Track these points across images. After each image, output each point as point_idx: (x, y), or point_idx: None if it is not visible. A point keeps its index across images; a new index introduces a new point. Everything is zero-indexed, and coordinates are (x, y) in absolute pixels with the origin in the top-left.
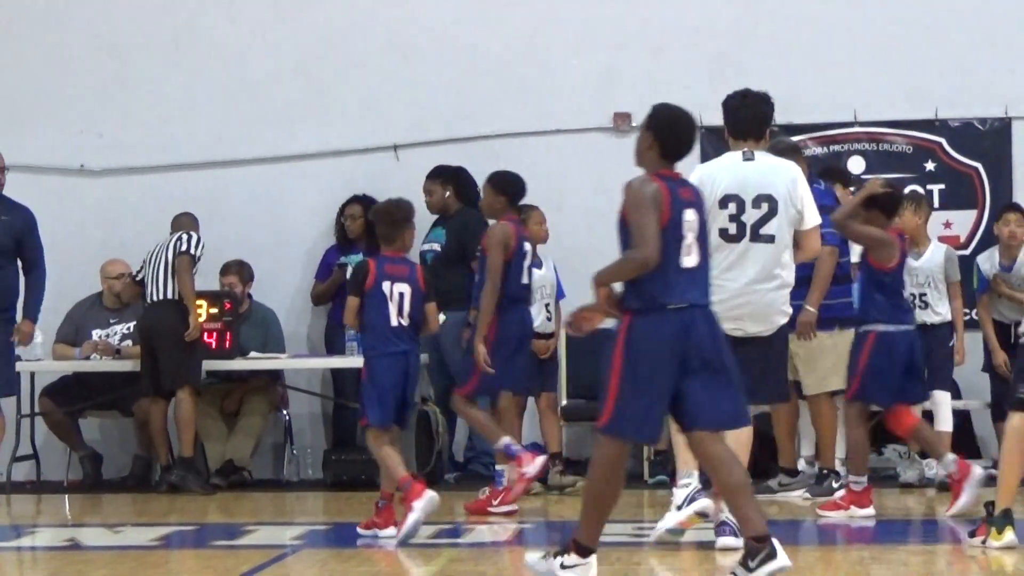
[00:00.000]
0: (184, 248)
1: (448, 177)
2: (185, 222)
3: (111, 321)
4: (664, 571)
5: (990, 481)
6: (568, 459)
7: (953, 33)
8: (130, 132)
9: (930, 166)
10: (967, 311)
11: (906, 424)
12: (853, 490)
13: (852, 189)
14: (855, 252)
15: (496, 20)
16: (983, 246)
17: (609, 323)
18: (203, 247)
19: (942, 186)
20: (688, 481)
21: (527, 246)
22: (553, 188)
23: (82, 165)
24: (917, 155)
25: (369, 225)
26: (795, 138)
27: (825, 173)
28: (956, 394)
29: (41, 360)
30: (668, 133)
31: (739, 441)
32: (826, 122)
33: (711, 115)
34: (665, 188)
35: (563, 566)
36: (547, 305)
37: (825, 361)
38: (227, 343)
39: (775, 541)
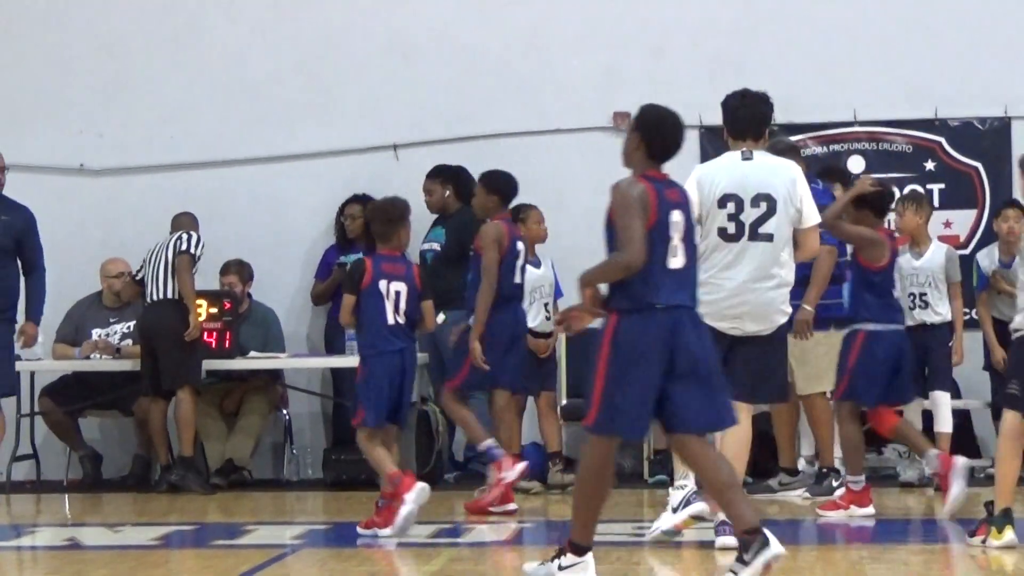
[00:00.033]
0: (184, 248)
1: (448, 177)
2: (185, 222)
3: (111, 320)
4: (664, 571)
5: (985, 480)
6: (568, 458)
7: (953, 33)
8: (130, 132)
9: (930, 166)
10: (967, 311)
11: (888, 424)
12: (852, 489)
13: None
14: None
15: (496, 20)
16: (983, 246)
17: (600, 322)
18: (203, 247)
19: (942, 185)
20: (684, 483)
21: (520, 245)
22: (553, 188)
23: (82, 165)
24: (917, 155)
25: (369, 225)
26: (795, 138)
27: (824, 173)
28: (956, 394)
29: (41, 360)
30: (655, 134)
31: (738, 441)
32: (826, 121)
33: (711, 115)
34: (652, 189)
35: (561, 567)
36: (546, 304)
37: (819, 361)
38: (227, 343)
39: (767, 531)
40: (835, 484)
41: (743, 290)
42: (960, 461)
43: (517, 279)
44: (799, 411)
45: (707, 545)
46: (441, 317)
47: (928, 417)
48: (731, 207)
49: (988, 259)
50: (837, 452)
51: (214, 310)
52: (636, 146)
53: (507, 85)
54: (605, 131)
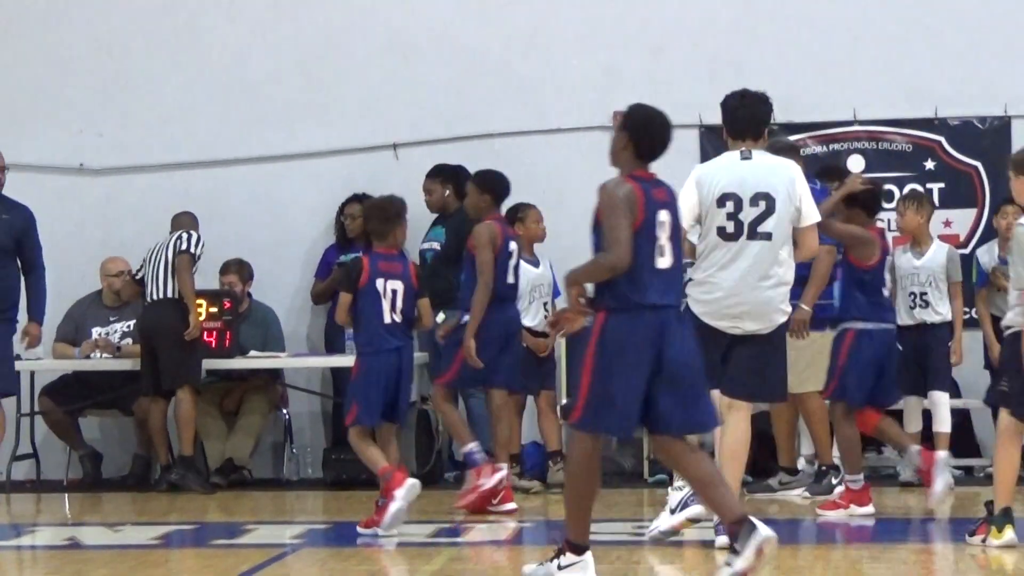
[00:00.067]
0: (184, 247)
1: (448, 176)
2: (185, 221)
3: (111, 319)
4: (664, 570)
5: (985, 479)
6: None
7: (953, 32)
8: (130, 131)
9: (930, 165)
10: (967, 310)
11: (871, 423)
12: (851, 489)
13: None
14: None
15: (496, 19)
16: (982, 245)
17: (589, 320)
18: (203, 246)
19: (942, 185)
20: (682, 484)
21: (512, 245)
22: (552, 187)
23: (82, 164)
24: (917, 154)
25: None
26: (795, 137)
27: (823, 173)
28: (956, 393)
29: (41, 359)
30: (643, 134)
31: (737, 440)
32: (826, 121)
33: (711, 115)
34: (639, 189)
35: (560, 567)
36: (545, 304)
37: (812, 359)
38: (227, 342)
39: (752, 518)
40: (835, 482)
41: (741, 289)
42: (941, 455)
43: (510, 279)
44: (798, 410)
45: (707, 544)
46: (440, 316)
47: (928, 417)
48: (730, 206)
49: (988, 255)
50: (836, 450)
51: (214, 309)
52: (624, 146)
53: (507, 85)
54: (605, 131)
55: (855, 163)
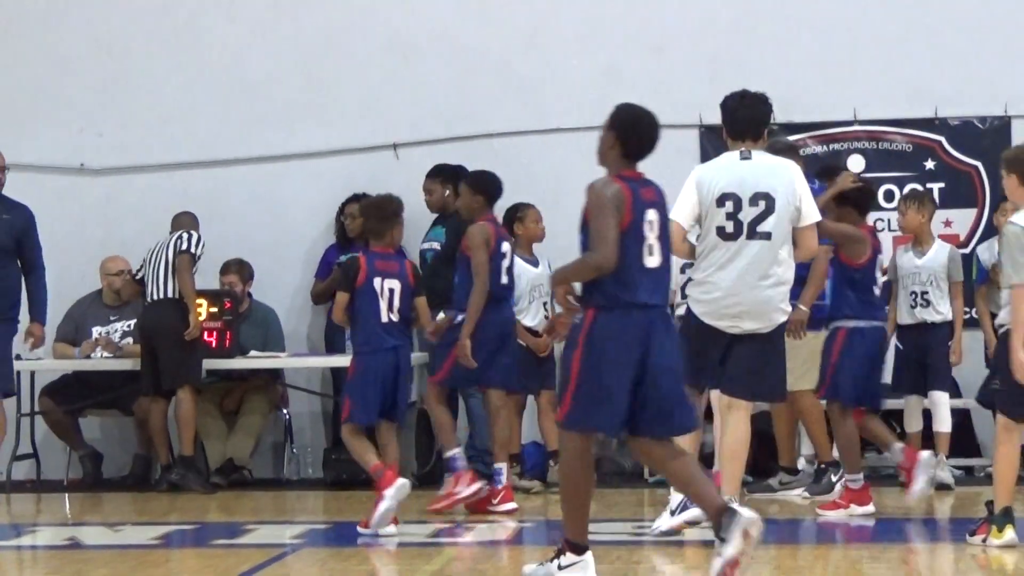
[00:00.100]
0: (184, 247)
1: (448, 176)
2: (185, 221)
3: (111, 318)
4: (664, 569)
5: (986, 479)
6: None
7: (953, 32)
8: (130, 131)
9: (930, 165)
10: (967, 310)
11: (855, 419)
12: (851, 488)
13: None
14: None
15: (496, 19)
16: (983, 243)
17: (577, 318)
18: (203, 246)
19: (942, 185)
20: None
21: (505, 246)
22: (552, 187)
23: (82, 164)
24: (917, 154)
25: None
26: (795, 137)
27: (822, 173)
28: (956, 393)
29: (41, 359)
30: (630, 133)
31: (737, 440)
32: (826, 121)
33: (711, 114)
34: (627, 189)
35: (560, 567)
36: (544, 303)
37: (805, 358)
38: (227, 342)
39: (733, 505)
40: (834, 479)
41: (739, 288)
42: (925, 456)
43: (504, 279)
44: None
45: (708, 544)
46: (441, 316)
47: (928, 416)
48: (729, 206)
49: (988, 252)
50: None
51: (214, 309)
52: (611, 145)
53: (507, 85)
54: None
55: (855, 163)
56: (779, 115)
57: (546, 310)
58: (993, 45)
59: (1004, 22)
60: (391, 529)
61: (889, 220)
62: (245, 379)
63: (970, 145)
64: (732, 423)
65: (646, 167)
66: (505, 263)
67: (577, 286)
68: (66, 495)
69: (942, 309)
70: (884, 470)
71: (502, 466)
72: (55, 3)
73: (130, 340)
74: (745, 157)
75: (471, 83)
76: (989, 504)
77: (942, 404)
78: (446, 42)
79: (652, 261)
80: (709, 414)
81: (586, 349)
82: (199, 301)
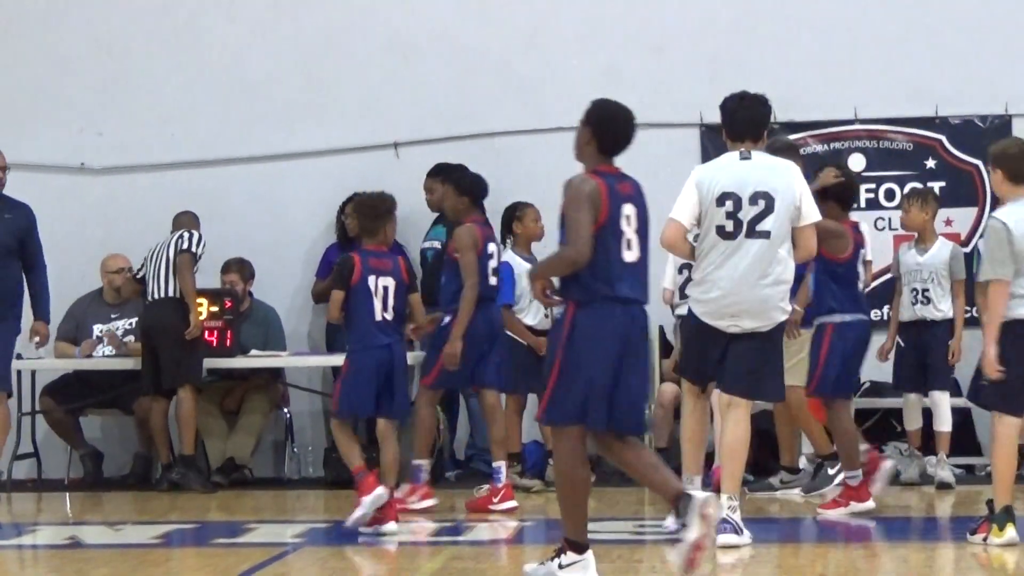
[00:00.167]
0: (185, 246)
1: (448, 175)
2: (186, 220)
3: (112, 316)
4: (665, 568)
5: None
6: None
7: (953, 31)
8: (130, 131)
9: (931, 163)
10: (968, 309)
11: (821, 417)
12: (850, 485)
13: None
14: None
15: (496, 19)
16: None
17: (558, 312)
18: (204, 245)
19: (943, 183)
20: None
21: (492, 247)
22: (552, 186)
23: (82, 164)
24: (918, 152)
25: None
26: (795, 136)
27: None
28: (957, 392)
29: (42, 358)
30: (606, 129)
31: (737, 439)
32: (826, 120)
33: (711, 114)
34: (603, 185)
35: (561, 566)
36: None
37: (794, 355)
38: (228, 341)
39: (689, 490)
40: (831, 472)
41: (738, 287)
42: (887, 464)
43: (492, 280)
44: None
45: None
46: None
47: (927, 416)
48: (729, 205)
49: None
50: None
51: (215, 309)
52: (587, 140)
53: (507, 84)
54: None
55: (856, 162)
56: (779, 114)
57: (545, 309)
58: (993, 44)
59: (1004, 21)
60: (391, 525)
61: (890, 219)
62: (246, 378)
63: (971, 144)
64: (732, 422)
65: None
66: (492, 264)
67: (555, 281)
68: (67, 494)
69: (943, 307)
70: None
71: (500, 464)
72: (55, 3)
73: (131, 338)
74: (745, 157)
75: (471, 83)
76: (990, 503)
77: (943, 404)
78: (446, 42)
79: (630, 255)
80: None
81: (568, 343)
82: (200, 300)
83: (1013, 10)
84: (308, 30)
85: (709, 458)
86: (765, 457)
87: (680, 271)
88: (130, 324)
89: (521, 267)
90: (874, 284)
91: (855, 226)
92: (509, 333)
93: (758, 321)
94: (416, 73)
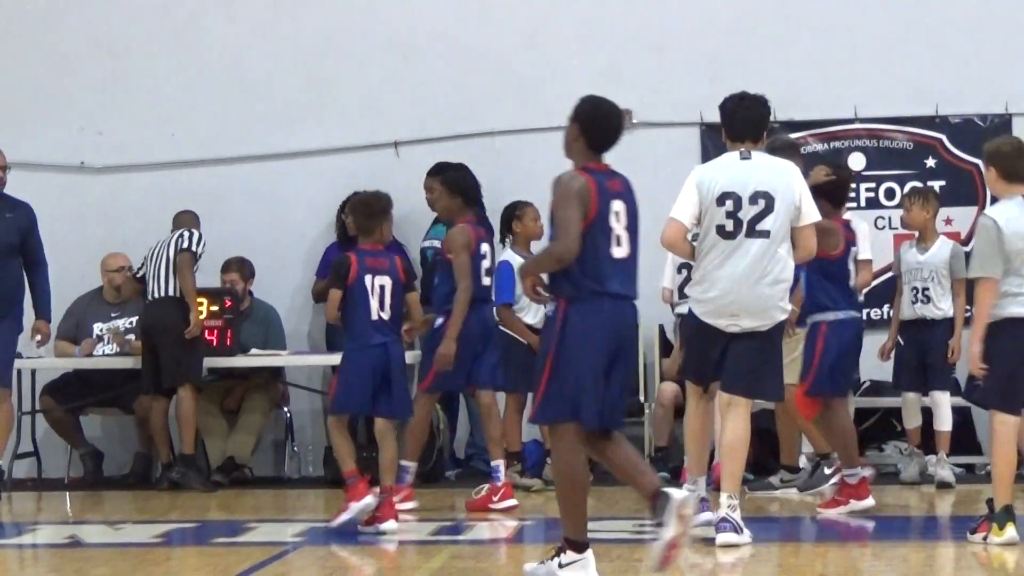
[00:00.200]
0: (185, 245)
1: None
2: (186, 219)
3: (112, 315)
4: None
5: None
6: None
7: (954, 30)
8: (130, 130)
9: (931, 163)
10: (969, 308)
11: (813, 413)
12: (849, 483)
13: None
14: None
15: (497, 18)
16: None
17: (550, 309)
18: (204, 244)
19: (943, 182)
20: (692, 488)
21: (485, 247)
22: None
23: (82, 163)
24: (918, 151)
25: None
26: (795, 135)
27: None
28: (957, 391)
29: (43, 357)
30: (593, 125)
31: (737, 437)
32: (827, 119)
33: (711, 114)
34: (592, 181)
35: (561, 565)
36: None
37: (787, 353)
38: (228, 340)
39: (666, 489)
40: (827, 471)
41: (737, 286)
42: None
43: (485, 280)
44: None
45: (708, 543)
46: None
47: (927, 415)
48: (729, 204)
49: None
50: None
51: (215, 308)
52: (575, 137)
53: (507, 84)
54: None
55: (856, 161)
56: (779, 114)
57: (547, 308)
58: (993, 43)
59: (1004, 21)
60: (391, 524)
61: (890, 218)
62: (246, 377)
63: (971, 143)
64: (731, 421)
65: (646, 166)
66: (485, 264)
67: (545, 277)
68: (67, 493)
69: (943, 305)
70: (885, 468)
71: (499, 463)
72: (55, 3)
73: (132, 337)
74: (745, 157)
75: (471, 82)
76: (990, 502)
77: (943, 403)
78: (446, 42)
79: (620, 252)
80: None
81: (560, 341)
82: (200, 299)
83: (1013, 10)
84: (308, 30)
85: (709, 455)
86: (765, 456)
87: (679, 270)
88: (130, 323)
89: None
90: (875, 283)
91: (846, 224)
92: (509, 332)
93: (757, 320)
94: (416, 73)
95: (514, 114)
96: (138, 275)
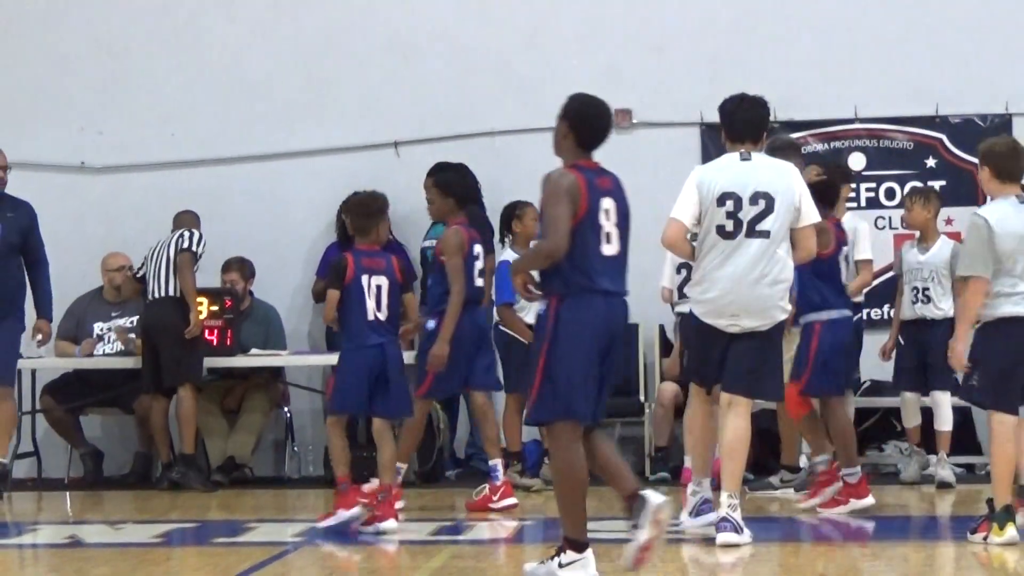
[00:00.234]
0: (185, 245)
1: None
2: (186, 219)
3: (112, 315)
4: (665, 567)
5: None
6: None
7: (954, 30)
8: (130, 130)
9: (931, 162)
10: None
11: (803, 411)
12: (848, 483)
13: (852, 186)
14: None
15: (496, 19)
16: None
17: (541, 307)
18: (204, 244)
19: (943, 182)
20: (696, 489)
21: (477, 248)
22: None
23: (83, 162)
24: (918, 151)
25: None
26: (796, 135)
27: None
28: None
29: (43, 357)
30: (582, 122)
31: (737, 437)
32: (827, 119)
33: (711, 114)
34: (582, 179)
35: (561, 565)
36: None
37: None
38: (228, 340)
39: (644, 492)
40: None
41: (737, 286)
42: (840, 485)
43: (478, 282)
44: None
45: (709, 542)
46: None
47: (928, 415)
48: (729, 205)
49: None
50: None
51: (215, 308)
52: (564, 135)
53: (507, 84)
54: None
55: (856, 161)
56: (780, 113)
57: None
58: (993, 43)
59: (1004, 21)
60: (391, 523)
61: (890, 218)
62: (246, 377)
63: (971, 143)
64: (732, 420)
65: (646, 166)
66: (478, 265)
67: (535, 275)
68: (67, 493)
69: (943, 305)
70: (885, 468)
71: (496, 463)
72: (55, 3)
73: (132, 336)
74: (745, 158)
75: (471, 82)
76: (990, 502)
77: (943, 403)
78: (446, 42)
79: (609, 249)
80: None
81: (552, 339)
82: (200, 299)
83: (1013, 10)
84: (308, 30)
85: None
86: (765, 456)
87: (679, 270)
88: (130, 322)
89: None
90: (875, 283)
91: (837, 223)
92: (510, 332)
93: (757, 320)
94: (416, 73)
95: (514, 114)
96: (138, 275)
